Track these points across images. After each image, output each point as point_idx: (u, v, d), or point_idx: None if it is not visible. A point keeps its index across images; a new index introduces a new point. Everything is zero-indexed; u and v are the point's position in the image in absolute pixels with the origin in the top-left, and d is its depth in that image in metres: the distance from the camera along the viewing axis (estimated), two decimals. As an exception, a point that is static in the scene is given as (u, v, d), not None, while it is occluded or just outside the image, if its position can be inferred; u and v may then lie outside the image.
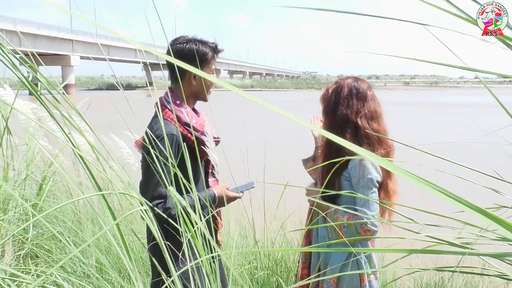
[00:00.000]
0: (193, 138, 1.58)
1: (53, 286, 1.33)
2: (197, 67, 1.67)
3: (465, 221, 0.82)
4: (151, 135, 1.36)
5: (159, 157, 1.11)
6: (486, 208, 0.96)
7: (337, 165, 1.53)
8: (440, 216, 0.80)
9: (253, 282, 2.23)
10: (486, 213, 0.24)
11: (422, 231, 0.89)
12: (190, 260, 0.91)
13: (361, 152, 0.25)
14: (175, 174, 1.14)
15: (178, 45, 1.66)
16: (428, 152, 0.92)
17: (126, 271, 2.00)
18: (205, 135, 1.69)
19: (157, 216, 1.39)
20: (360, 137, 1.65)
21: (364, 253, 1.65)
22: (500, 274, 0.86)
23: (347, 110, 1.67)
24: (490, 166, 1.11)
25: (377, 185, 1.62)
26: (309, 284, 1.76)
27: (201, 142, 1.66)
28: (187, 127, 1.63)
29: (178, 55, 1.62)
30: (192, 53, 1.64)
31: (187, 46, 1.65)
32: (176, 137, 1.58)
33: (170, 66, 1.70)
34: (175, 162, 1.47)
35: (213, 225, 1.69)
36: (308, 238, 1.87)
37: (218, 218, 1.81)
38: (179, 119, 1.64)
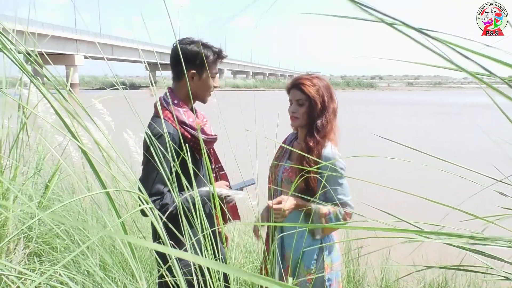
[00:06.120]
0: (190, 136, 1.66)
1: (58, 284, 1.34)
2: (197, 69, 1.71)
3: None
4: (149, 134, 1.38)
5: (158, 154, 1.12)
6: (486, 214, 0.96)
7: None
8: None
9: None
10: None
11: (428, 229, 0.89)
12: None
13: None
14: (174, 171, 1.16)
15: (181, 46, 1.69)
16: (432, 154, 0.92)
17: (130, 269, 2.01)
18: (206, 133, 1.75)
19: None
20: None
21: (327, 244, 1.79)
22: (505, 276, 0.85)
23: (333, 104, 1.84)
24: (492, 167, 1.11)
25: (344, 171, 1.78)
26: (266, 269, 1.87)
27: (198, 140, 1.69)
28: (183, 126, 1.67)
29: (179, 56, 1.65)
30: (193, 55, 1.68)
31: (189, 48, 1.69)
32: (173, 135, 1.62)
33: (171, 65, 1.75)
34: (173, 159, 1.49)
35: (218, 220, 1.69)
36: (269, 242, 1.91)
37: (226, 212, 1.82)
38: (176, 117, 1.67)
